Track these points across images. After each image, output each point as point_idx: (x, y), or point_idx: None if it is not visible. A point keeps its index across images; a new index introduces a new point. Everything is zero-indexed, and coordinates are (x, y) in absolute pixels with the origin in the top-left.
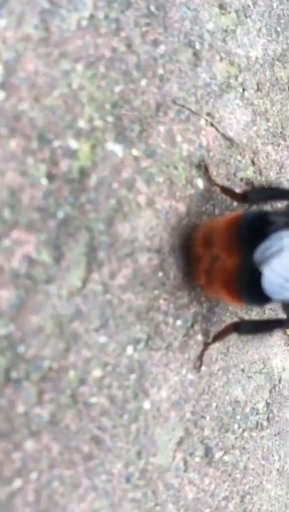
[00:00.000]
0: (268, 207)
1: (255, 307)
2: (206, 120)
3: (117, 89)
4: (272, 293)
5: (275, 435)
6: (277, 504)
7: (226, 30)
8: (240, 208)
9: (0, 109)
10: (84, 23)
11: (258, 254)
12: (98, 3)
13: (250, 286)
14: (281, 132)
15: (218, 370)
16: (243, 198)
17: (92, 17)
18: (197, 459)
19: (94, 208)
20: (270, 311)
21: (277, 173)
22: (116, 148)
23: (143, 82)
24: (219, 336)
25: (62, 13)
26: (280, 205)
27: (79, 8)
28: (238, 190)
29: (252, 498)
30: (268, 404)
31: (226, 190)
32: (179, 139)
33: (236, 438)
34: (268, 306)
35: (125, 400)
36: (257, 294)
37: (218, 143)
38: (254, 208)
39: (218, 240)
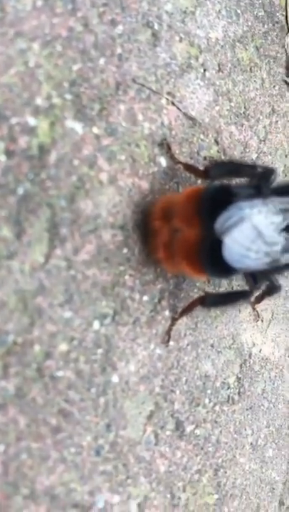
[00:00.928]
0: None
1: (218, 279)
2: (167, 99)
3: (75, 67)
4: (232, 261)
5: (246, 409)
6: (252, 478)
7: (184, 12)
8: (203, 184)
9: None
10: (39, 3)
11: (218, 225)
12: None
13: (211, 256)
14: (244, 112)
15: (187, 345)
16: (204, 173)
17: None
18: (168, 433)
19: (54, 184)
20: (238, 288)
21: (242, 153)
22: (76, 126)
23: (101, 61)
24: (186, 310)
25: None
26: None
27: None
28: (200, 168)
29: (225, 472)
30: (238, 379)
31: (189, 167)
32: (140, 117)
33: (207, 412)
34: (235, 283)
35: (93, 374)
36: (218, 265)
37: (180, 122)
38: (217, 182)
39: (179, 213)
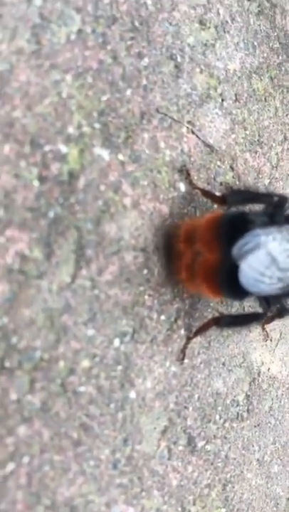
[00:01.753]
0: (246, 209)
1: (233, 301)
2: (188, 128)
3: (104, 98)
4: (248, 286)
5: (254, 426)
6: (258, 493)
7: (205, 44)
8: (220, 209)
9: None
10: (73, 36)
11: (235, 250)
12: (86, 18)
13: (228, 280)
14: (258, 140)
15: (200, 363)
16: (222, 200)
17: (80, 31)
18: (180, 448)
19: (82, 208)
20: (250, 308)
21: (255, 179)
22: (103, 153)
23: (128, 92)
24: (201, 330)
25: (52, 27)
26: (257, 207)
27: (68, 23)
28: (217, 194)
29: (233, 487)
30: (247, 397)
31: (206, 193)
32: (162, 145)
33: (218, 428)
34: (247, 303)
35: (112, 390)
36: (235, 288)
37: (198, 149)
38: (233, 209)
39: (200, 237)
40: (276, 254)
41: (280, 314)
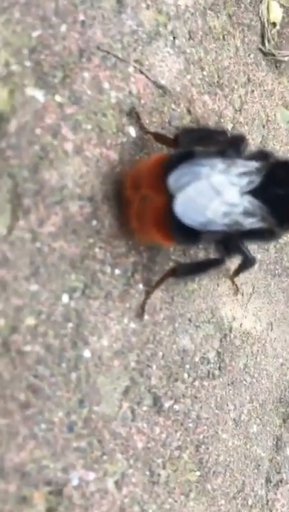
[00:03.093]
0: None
1: (187, 245)
2: (135, 67)
3: (35, 34)
4: (185, 218)
5: (228, 384)
6: (236, 454)
7: None
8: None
9: None
10: None
11: (171, 180)
12: None
13: (178, 222)
14: (218, 81)
15: (163, 319)
16: (174, 142)
17: None
18: (145, 408)
19: (16, 154)
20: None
21: (216, 123)
22: (37, 94)
23: (63, 28)
24: (159, 283)
25: None
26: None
27: None
28: (171, 137)
29: (207, 448)
30: (219, 354)
31: (159, 137)
32: (106, 85)
33: (186, 387)
34: (213, 256)
35: (63, 349)
36: (184, 229)
37: (149, 91)
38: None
39: (145, 180)
40: (221, 187)
41: (244, 265)
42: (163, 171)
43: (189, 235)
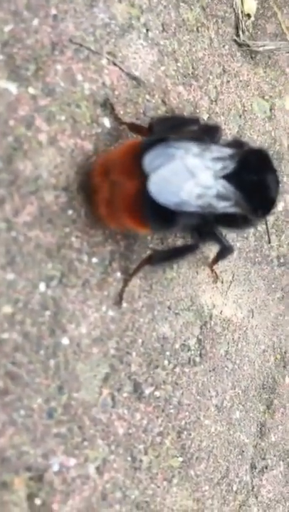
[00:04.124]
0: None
1: (161, 231)
2: (108, 59)
3: (7, 28)
4: (160, 198)
5: (210, 371)
6: (219, 440)
7: None
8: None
9: None
10: None
11: (146, 161)
12: None
13: (150, 205)
14: (192, 73)
15: (142, 307)
16: (149, 131)
17: None
18: (125, 395)
19: None
20: None
21: (192, 113)
22: (9, 86)
23: (35, 22)
24: (136, 270)
25: None
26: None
27: None
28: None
29: (190, 434)
30: (199, 341)
31: (133, 127)
32: (79, 77)
33: (167, 374)
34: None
35: (40, 336)
36: (158, 214)
37: (123, 82)
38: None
39: (117, 165)
40: (196, 170)
41: (222, 253)
42: (135, 155)
43: (163, 218)
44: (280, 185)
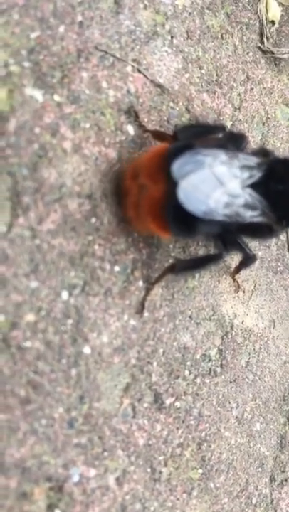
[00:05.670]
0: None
1: (184, 238)
2: (133, 66)
3: (33, 35)
4: (189, 205)
5: (230, 382)
6: (239, 453)
7: None
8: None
9: None
10: None
11: (175, 168)
12: None
13: (174, 210)
14: (217, 80)
15: (163, 316)
16: (173, 137)
17: None
18: (146, 405)
19: (15, 152)
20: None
21: (215, 121)
22: (35, 94)
23: (61, 29)
24: (158, 280)
25: None
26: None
27: None
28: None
29: (210, 446)
30: (220, 351)
31: (158, 135)
32: (104, 85)
33: (188, 384)
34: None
35: (62, 345)
36: (181, 219)
37: (147, 89)
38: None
39: (144, 170)
40: (224, 178)
41: (245, 262)
42: (163, 160)
43: (185, 224)
44: None
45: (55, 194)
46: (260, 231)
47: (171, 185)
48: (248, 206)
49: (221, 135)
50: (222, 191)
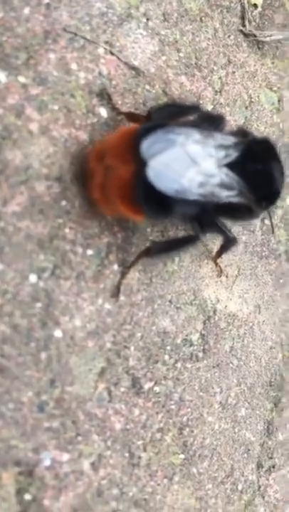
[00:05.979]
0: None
1: (157, 219)
2: (105, 49)
3: None
4: (160, 185)
5: (213, 367)
6: (223, 438)
7: None
8: None
9: None
10: None
11: (144, 146)
12: None
13: (145, 191)
14: (196, 63)
15: (141, 300)
16: (147, 118)
17: None
18: (123, 389)
19: None
20: None
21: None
22: None
23: (26, 11)
24: (134, 262)
25: None
26: None
27: None
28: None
29: (192, 431)
30: (202, 336)
31: (132, 116)
32: (74, 67)
33: (168, 369)
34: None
35: (31, 328)
36: (155, 201)
37: (121, 72)
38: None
39: (112, 150)
40: (197, 157)
41: (225, 245)
42: (132, 140)
43: (158, 205)
44: (286, 176)
45: (20, 176)
46: (239, 212)
47: (141, 165)
48: (224, 186)
49: (197, 115)
50: (196, 170)
